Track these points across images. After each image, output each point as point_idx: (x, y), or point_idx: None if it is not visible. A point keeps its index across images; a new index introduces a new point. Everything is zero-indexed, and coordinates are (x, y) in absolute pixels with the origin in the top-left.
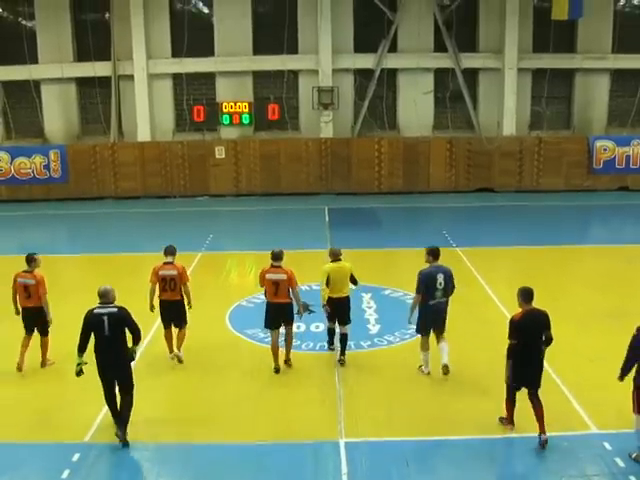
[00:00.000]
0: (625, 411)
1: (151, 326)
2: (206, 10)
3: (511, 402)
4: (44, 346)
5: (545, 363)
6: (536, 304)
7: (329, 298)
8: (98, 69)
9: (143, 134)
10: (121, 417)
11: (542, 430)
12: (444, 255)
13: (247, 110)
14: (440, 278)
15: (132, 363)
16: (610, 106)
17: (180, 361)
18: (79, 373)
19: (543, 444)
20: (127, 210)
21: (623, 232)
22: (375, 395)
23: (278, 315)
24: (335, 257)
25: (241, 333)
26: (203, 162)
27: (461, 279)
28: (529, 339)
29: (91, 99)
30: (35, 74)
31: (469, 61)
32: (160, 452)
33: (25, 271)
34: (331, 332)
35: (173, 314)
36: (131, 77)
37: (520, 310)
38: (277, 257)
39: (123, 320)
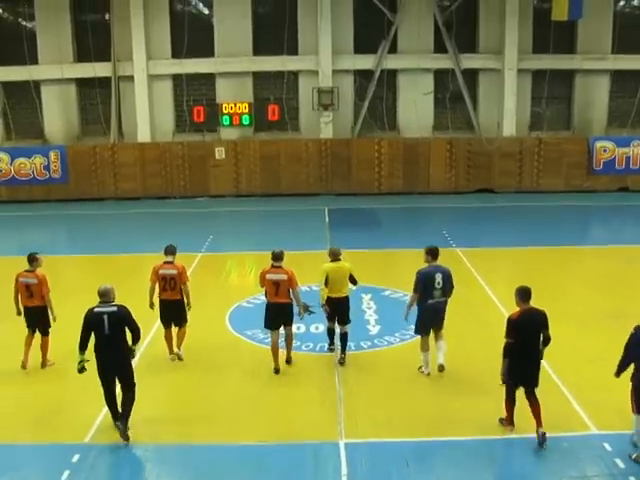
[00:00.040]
0: (625, 412)
1: (151, 326)
2: (206, 11)
3: (511, 402)
4: (44, 346)
5: (545, 363)
6: (536, 304)
7: (328, 298)
8: (98, 70)
9: (143, 135)
10: (123, 412)
11: (539, 424)
12: (444, 256)
13: (247, 111)
14: (438, 278)
15: (132, 362)
16: (610, 107)
17: (180, 359)
18: (81, 370)
19: (541, 437)
20: (127, 211)
21: (623, 233)
22: (375, 395)
23: (278, 315)
24: (334, 257)
25: (241, 334)
26: (203, 163)
27: (461, 280)
28: (526, 338)
29: (91, 100)
30: (35, 75)
31: (469, 62)
32: (160, 453)
33: (27, 270)
34: (331, 332)
35: (173, 313)
36: (131, 78)
37: (518, 309)
38: (278, 257)
39: (123, 319)
